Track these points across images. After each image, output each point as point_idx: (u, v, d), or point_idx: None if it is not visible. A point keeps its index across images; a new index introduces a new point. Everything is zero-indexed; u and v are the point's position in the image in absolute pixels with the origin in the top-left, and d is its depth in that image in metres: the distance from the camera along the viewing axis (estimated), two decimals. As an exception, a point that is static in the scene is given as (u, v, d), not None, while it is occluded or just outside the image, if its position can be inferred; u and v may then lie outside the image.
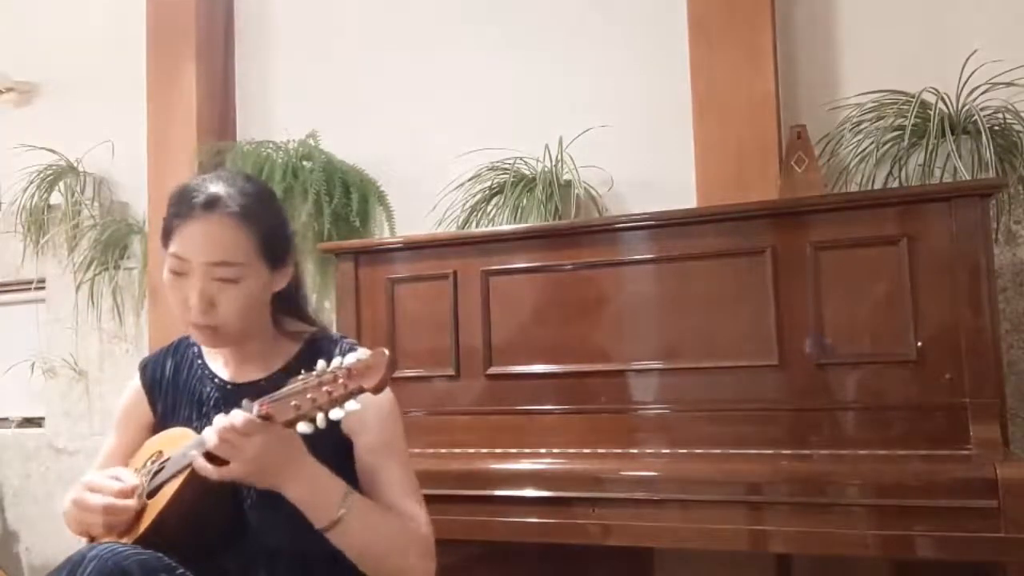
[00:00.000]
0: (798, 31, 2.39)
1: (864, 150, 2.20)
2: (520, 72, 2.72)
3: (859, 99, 2.23)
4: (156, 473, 1.31)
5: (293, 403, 1.13)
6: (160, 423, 1.46)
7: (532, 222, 2.43)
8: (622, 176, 2.54)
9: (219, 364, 1.45)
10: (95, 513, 1.28)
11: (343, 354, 1.13)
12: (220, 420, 1.19)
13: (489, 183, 2.59)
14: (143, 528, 1.27)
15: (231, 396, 1.37)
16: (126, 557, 1.16)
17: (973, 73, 2.11)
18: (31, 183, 3.30)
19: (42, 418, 3.45)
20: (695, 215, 2.05)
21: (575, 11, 2.67)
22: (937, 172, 2.08)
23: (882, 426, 1.76)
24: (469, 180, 2.62)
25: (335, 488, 1.25)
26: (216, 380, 1.43)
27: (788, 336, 1.84)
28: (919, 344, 1.74)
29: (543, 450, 1.95)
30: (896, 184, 2.15)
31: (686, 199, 2.35)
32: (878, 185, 2.16)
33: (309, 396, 1.12)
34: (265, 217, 1.34)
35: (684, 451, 1.85)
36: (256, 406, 1.17)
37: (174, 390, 1.46)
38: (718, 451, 1.82)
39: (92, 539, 1.34)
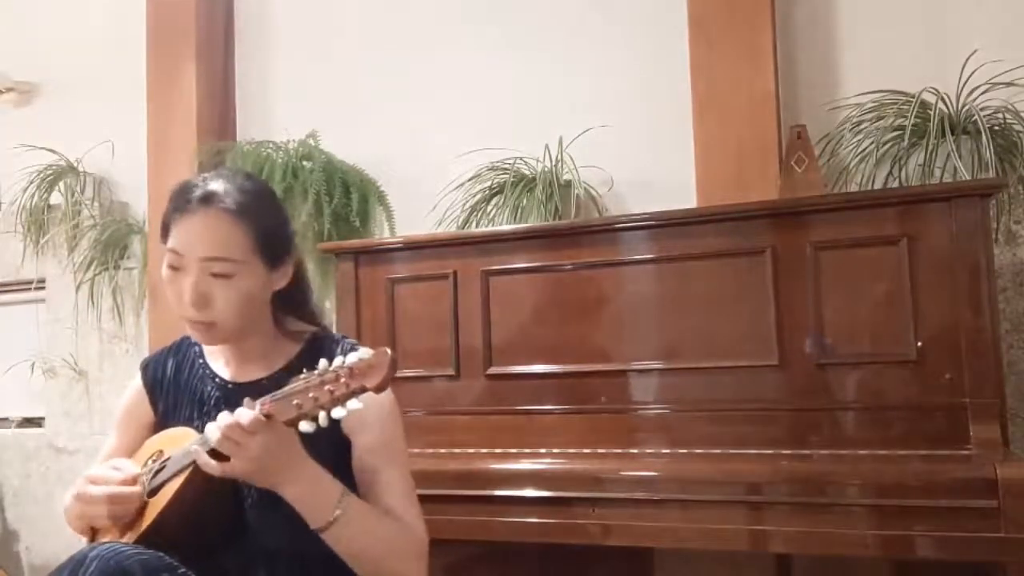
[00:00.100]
0: (798, 31, 2.40)
1: (864, 150, 2.20)
2: (520, 72, 2.72)
3: (859, 99, 2.23)
4: (157, 472, 1.31)
5: (295, 402, 1.13)
6: (161, 422, 1.46)
7: (532, 222, 2.43)
8: (622, 176, 2.54)
9: (220, 364, 1.45)
10: (99, 504, 1.29)
11: (344, 354, 1.14)
12: (224, 417, 1.19)
13: (489, 183, 2.59)
14: (144, 527, 1.27)
15: (232, 395, 1.37)
16: (128, 557, 1.16)
17: (973, 73, 2.11)
18: (31, 183, 3.30)
19: (42, 418, 3.45)
20: (695, 215, 2.05)
21: (575, 11, 2.67)
22: (937, 172, 2.08)
23: (882, 426, 1.76)
24: (469, 180, 2.62)
25: (332, 489, 1.25)
26: (217, 379, 1.43)
27: (788, 336, 1.84)
28: (919, 344, 1.74)
29: (543, 450, 1.95)
30: (896, 184, 2.15)
31: (686, 199, 2.35)
32: (878, 185, 2.16)
33: (311, 395, 1.12)
34: (263, 215, 1.34)
35: (684, 451, 1.85)
36: (258, 405, 1.18)
37: (175, 389, 1.47)
38: (718, 451, 1.82)
39: (93, 538, 1.34)
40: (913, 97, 2.12)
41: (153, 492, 1.30)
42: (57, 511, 1.47)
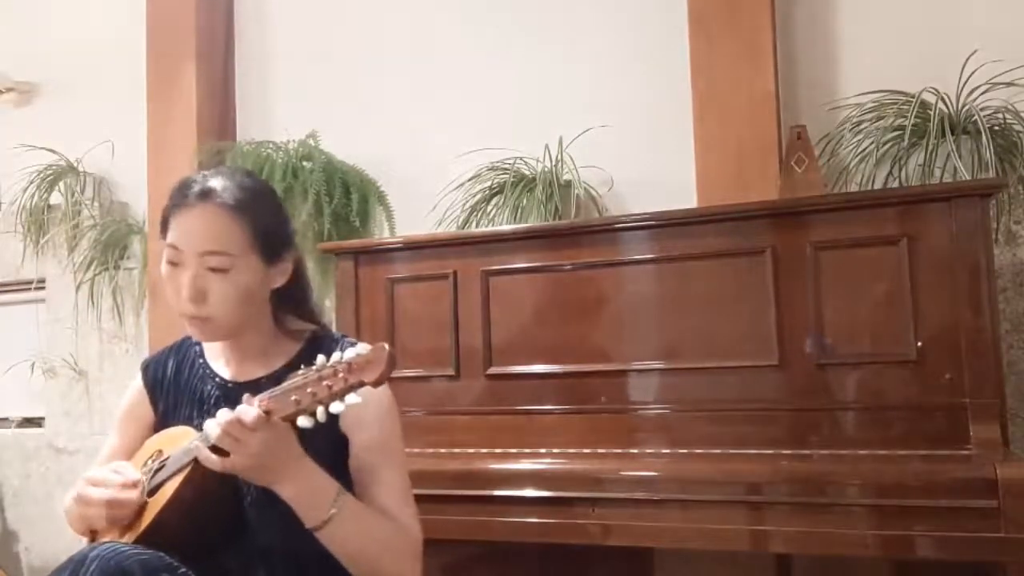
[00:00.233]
0: (798, 31, 2.40)
1: (864, 150, 2.20)
2: (520, 72, 2.72)
3: (859, 99, 2.23)
4: (156, 472, 1.31)
5: (293, 398, 1.14)
6: (161, 422, 1.46)
7: (532, 222, 2.43)
8: (622, 176, 2.54)
9: (220, 363, 1.45)
10: (98, 507, 1.29)
11: (343, 351, 1.14)
12: (224, 414, 1.19)
13: (489, 183, 2.59)
14: (144, 526, 1.27)
15: (232, 394, 1.37)
16: (128, 557, 1.16)
17: (973, 73, 2.11)
18: (31, 183, 3.30)
19: (42, 418, 3.45)
20: (695, 215, 2.05)
21: (575, 11, 2.67)
22: (937, 172, 2.08)
23: (882, 426, 1.76)
24: (469, 180, 2.62)
25: (327, 487, 1.25)
26: (217, 379, 1.43)
27: (788, 336, 1.84)
28: (919, 344, 1.74)
29: (543, 450, 1.95)
30: (896, 184, 2.15)
31: (686, 199, 2.35)
32: (878, 185, 2.16)
33: (309, 391, 1.12)
34: (260, 211, 1.35)
35: (684, 451, 1.85)
36: (257, 401, 1.18)
37: (175, 389, 1.47)
38: (718, 451, 1.82)
39: (93, 538, 1.34)
40: (913, 97, 2.12)
41: (152, 491, 1.30)
42: (57, 511, 1.47)
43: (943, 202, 1.75)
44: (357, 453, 1.35)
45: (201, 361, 1.47)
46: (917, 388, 1.74)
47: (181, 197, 1.33)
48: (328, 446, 1.31)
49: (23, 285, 3.45)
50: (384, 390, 1.35)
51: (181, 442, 1.30)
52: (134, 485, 1.31)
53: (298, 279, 1.46)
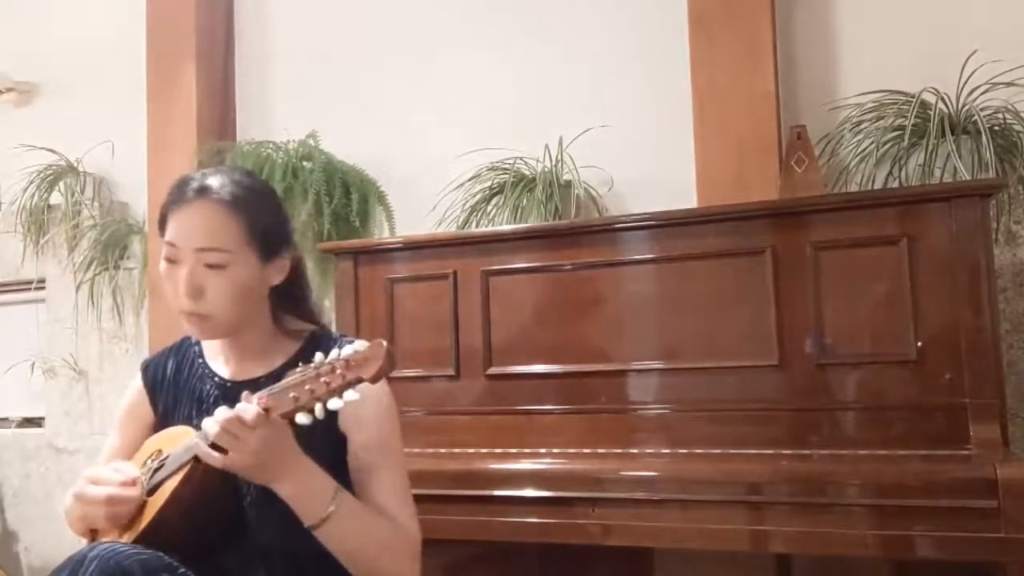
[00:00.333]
0: (798, 31, 2.40)
1: (864, 150, 2.20)
2: (520, 72, 2.72)
3: (859, 99, 2.23)
4: (156, 471, 1.31)
5: (291, 395, 1.14)
6: (161, 422, 1.46)
7: (532, 222, 2.43)
8: (622, 176, 2.54)
9: (219, 363, 1.45)
10: (98, 505, 1.29)
11: (341, 348, 1.14)
12: (223, 411, 1.19)
13: (489, 183, 2.59)
14: (143, 526, 1.27)
15: (231, 394, 1.37)
16: (127, 557, 1.16)
17: (973, 73, 2.11)
18: (31, 183, 3.30)
19: (42, 418, 3.45)
20: (695, 215, 2.05)
21: (575, 11, 2.67)
22: (937, 172, 2.08)
23: (882, 426, 1.76)
24: (469, 180, 2.62)
25: (325, 486, 1.25)
26: (216, 378, 1.43)
27: (788, 336, 1.84)
28: (919, 344, 1.74)
29: (543, 450, 1.95)
30: (896, 184, 2.15)
31: (686, 199, 2.35)
32: (878, 185, 2.16)
33: (307, 388, 1.12)
34: (257, 207, 1.35)
35: (684, 451, 1.85)
36: (256, 399, 1.18)
37: (175, 389, 1.47)
38: (718, 451, 1.82)
39: (93, 539, 1.34)
40: (913, 97, 2.12)
41: (152, 491, 1.30)
42: (57, 512, 1.47)
43: (943, 202, 1.75)
44: (356, 453, 1.35)
45: (200, 361, 1.47)
46: (917, 388, 1.74)
47: (178, 194, 1.34)
48: (327, 446, 1.32)
49: (23, 285, 3.45)
50: (383, 390, 1.35)
51: (180, 441, 1.30)
52: (133, 483, 1.31)
53: (297, 278, 1.46)
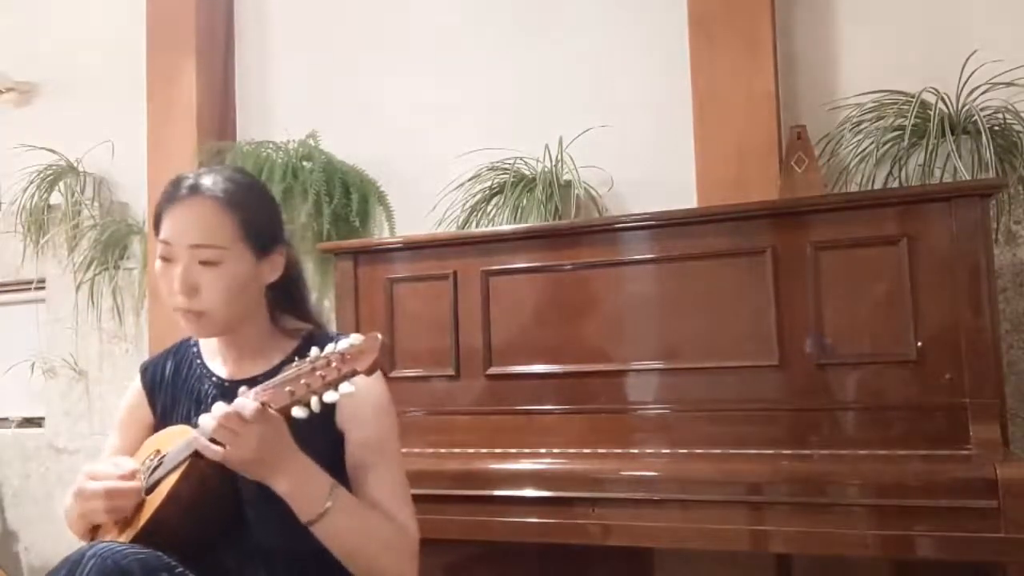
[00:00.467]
0: (798, 31, 2.40)
1: (864, 150, 2.20)
2: (520, 72, 2.72)
3: (859, 99, 2.23)
4: (154, 470, 1.31)
5: (288, 388, 1.15)
6: (160, 422, 1.47)
7: (532, 222, 2.43)
8: (622, 176, 2.54)
9: (217, 362, 1.46)
10: (97, 499, 1.28)
11: (337, 343, 1.14)
12: (220, 407, 1.19)
13: (489, 183, 2.59)
14: (142, 524, 1.27)
15: (229, 392, 1.36)
16: (125, 556, 1.16)
17: (973, 73, 2.11)
18: (31, 183, 3.30)
19: (42, 418, 3.45)
20: (695, 215, 2.05)
21: (575, 11, 2.67)
22: (937, 172, 2.08)
23: (882, 426, 1.76)
24: (469, 180, 2.62)
25: (322, 482, 1.25)
26: (214, 378, 1.44)
27: (788, 336, 1.84)
28: (919, 344, 1.74)
29: (543, 450, 1.95)
30: (896, 184, 2.15)
31: (686, 199, 2.35)
32: (878, 185, 2.16)
33: (303, 381, 1.13)
34: (249, 203, 1.36)
35: (684, 451, 1.85)
36: (253, 394, 1.18)
37: (173, 389, 1.47)
38: (718, 451, 1.82)
39: (93, 537, 1.34)
40: (913, 97, 2.12)
41: (150, 490, 1.30)
42: (57, 512, 1.47)
43: (943, 202, 1.75)
44: (353, 451, 1.35)
45: (198, 361, 1.47)
46: (917, 388, 1.74)
47: (172, 193, 1.35)
48: (324, 443, 1.32)
49: (23, 285, 3.44)
50: (380, 388, 1.35)
51: (179, 441, 1.30)
52: (132, 475, 1.31)
53: (293, 277, 1.47)
